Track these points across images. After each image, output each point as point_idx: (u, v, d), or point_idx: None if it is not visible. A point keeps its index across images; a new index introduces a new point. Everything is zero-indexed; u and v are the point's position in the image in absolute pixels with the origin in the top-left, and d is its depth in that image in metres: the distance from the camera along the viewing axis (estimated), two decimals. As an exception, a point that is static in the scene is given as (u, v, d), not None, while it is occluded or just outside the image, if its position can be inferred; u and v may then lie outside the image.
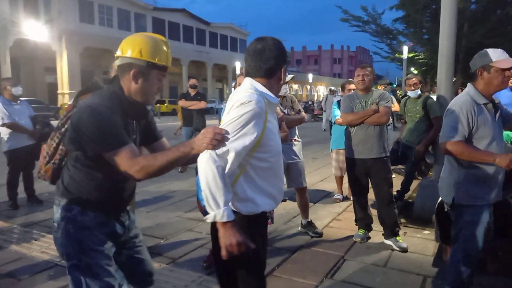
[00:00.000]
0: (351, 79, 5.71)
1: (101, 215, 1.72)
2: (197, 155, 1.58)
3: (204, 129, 1.56)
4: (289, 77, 3.86)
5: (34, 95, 25.06)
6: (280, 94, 3.88)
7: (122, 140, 1.60)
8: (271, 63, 1.67)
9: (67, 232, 1.68)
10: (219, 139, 1.52)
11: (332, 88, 17.81)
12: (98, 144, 1.60)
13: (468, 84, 2.47)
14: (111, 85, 1.74)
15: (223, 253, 1.58)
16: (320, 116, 26.58)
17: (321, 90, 63.50)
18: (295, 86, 56.30)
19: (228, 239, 1.56)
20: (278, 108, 3.78)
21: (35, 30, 23.30)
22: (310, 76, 49.67)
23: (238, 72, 32.13)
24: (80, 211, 1.69)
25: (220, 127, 1.57)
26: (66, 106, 1.99)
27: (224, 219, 1.54)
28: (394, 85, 8.00)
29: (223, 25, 41.85)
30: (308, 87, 58.24)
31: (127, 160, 1.58)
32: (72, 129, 1.66)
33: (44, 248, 3.69)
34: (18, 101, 5.17)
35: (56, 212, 1.74)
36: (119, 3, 30.60)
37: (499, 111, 2.45)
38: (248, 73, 1.71)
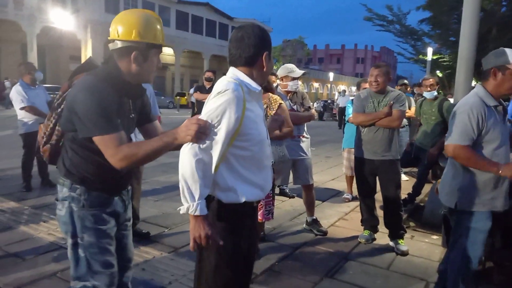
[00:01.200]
0: (366, 78, 5.60)
1: (103, 194, 1.77)
2: (181, 145, 1.58)
3: (187, 121, 1.54)
4: (299, 72, 3.81)
5: (59, 83, 25.61)
6: (289, 89, 3.84)
7: (112, 126, 1.59)
8: (251, 51, 1.64)
9: (71, 211, 1.73)
10: (204, 132, 1.51)
11: (344, 88, 17.61)
12: (87, 127, 1.59)
13: (477, 84, 2.35)
14: (106, 65, 1.73)
15: (191, 244, 1.60)
16: (339, 115, 26.27)
17: (342, 90, 62.93)
18: (316, 85, 55.87)
19: (196, 231, 1.57)
20: (286, 103, 3.74)
21: (62, 19, 23.80)
22: (331, 75, 49.17)
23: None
24: (84, 191, 1.72)
25: (202, 117, 1.56)
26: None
27: (197, 213, 1.54)
28: (407, 82, 7.59)
29: (246, 21, 41.83)
30: (329, 85, 57.72)
31: (112, 148, 1.58)
32: (67, 109, 1.67)
33: (51, 230, 3.77)
34: (36, 86, 5.29)
35: (60, 191, 1.77)
36: (144, -6, 30.96)
37: (507, 115, 2.33)
38: (230, 62, 1.70)
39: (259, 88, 1.68)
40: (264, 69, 1.69)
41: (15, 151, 6.03)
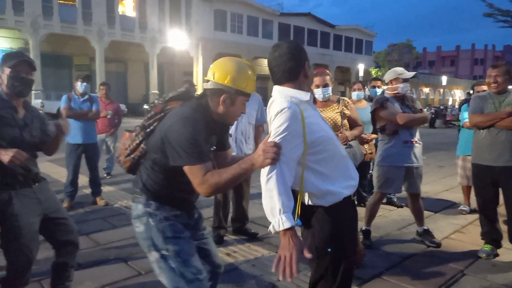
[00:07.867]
0: (481, 80, 5.12)
1: (175, 210, 1.88)
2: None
3: (262, 145, 1.61)
4: (409, 74, 3.67)
5: (174, 96, 28.37)
6: (400, 91, 3.70)
7: (203, 158, 1.68)
8: (292, 66, 1.72)
9: (150, 226, 1.82)
10: (277, 153, 1.57)
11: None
12: (181, 156, 1.67)
13: None
14: (200, 100, 1.83)
15: (274, 263, 1.58)
16: (453, 122, 24.10)
17: (457, 94, 57.31)
18: (426, 90, 51.93)
19: (285, 249, 1.56)
20: (396, 106, 3.64)
21: (177, 39, 26.38)
22: (444, 79, 45.30)
23: (361, 74, 30.90)
24: (158, 206, 1.84)
25: (269, 139, 1.62)
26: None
27: (282, 227, 1.55)
28: None
29: (348, 27, 40.97)
30: (442, 90, 53.19)
31: (200, 177, 1.66)
32: (160, 135, 1.76)
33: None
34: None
35: (135, 209, 1.88)
36: (248, 10, 32.54)
37: None
38: (275, 80, 1.78)
39: (309, 94, 1.75)
40: (308, 77, 1.77)
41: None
